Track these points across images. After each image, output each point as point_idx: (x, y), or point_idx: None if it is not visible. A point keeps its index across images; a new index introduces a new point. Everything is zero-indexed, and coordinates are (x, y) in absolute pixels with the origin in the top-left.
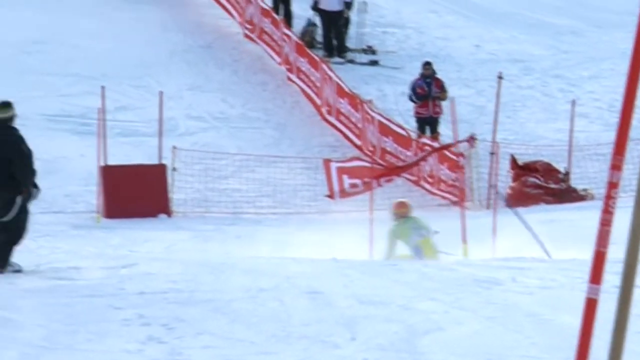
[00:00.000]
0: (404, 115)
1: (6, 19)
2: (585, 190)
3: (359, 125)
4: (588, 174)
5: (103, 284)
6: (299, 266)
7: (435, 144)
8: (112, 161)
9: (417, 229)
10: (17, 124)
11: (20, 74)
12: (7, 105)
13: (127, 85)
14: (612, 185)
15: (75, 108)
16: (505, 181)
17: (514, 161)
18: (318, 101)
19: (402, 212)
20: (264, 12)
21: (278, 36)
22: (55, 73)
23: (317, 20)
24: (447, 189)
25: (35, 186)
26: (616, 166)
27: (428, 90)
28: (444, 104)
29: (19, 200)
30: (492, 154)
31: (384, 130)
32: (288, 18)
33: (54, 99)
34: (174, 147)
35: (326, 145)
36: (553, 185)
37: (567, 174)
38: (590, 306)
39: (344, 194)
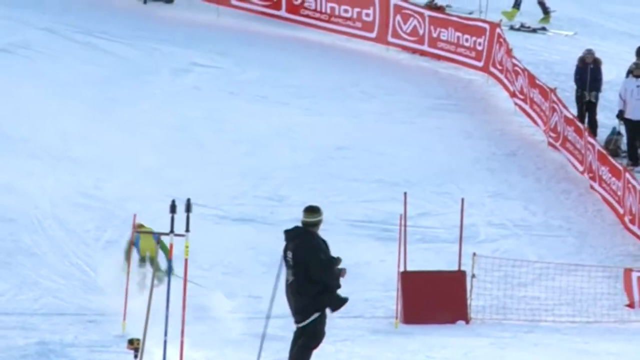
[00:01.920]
0: None
1: (314, 125)
2: None
3: None
4: None
5: None
6: None
7: None
8: (412, 267)
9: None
10: (321, 228)
11: (325, 179)
12: (315, 210)
13: (429, 192)
14: None
15: (377, 214)
16: None
17: None
18: (620, 210)
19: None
20: (568, 121)
21: (581, 144)
22: (359, 179)
23: (622, 128)
24: None
25: (341, 300)
26: None
27: None
28: None
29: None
30: None
31: None
32: (593, 126)
33: (357, 205)
34: (474, 254)
35: (628, 254)
36: None
37: None
38: None
39: None
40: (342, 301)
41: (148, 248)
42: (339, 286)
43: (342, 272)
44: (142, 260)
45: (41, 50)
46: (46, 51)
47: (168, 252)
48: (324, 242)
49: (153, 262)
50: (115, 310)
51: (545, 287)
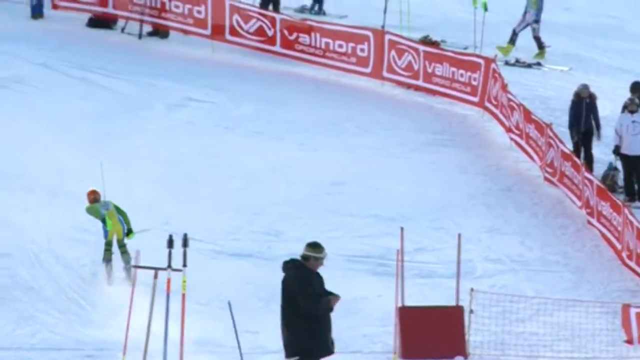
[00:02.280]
0: None
1: (309, 160)
2: None
3: None
4: None
5: None
6: None
7: None
8: (409, 302)
9: (103, 206)
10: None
11: (321, 214)
12: (316, 245)
13: (425, 227)
14: None
15: (373, 249)
16: None
17: None
18: (618, 245)
19: (93, 197)
20: (565, 156)
21: (579, 180)
22: (354, 214)
23: (619, 164)
24: None
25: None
26: None
27: None
28: None
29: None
30: None
31: None
32: (589, 161)
33: (353, 240)
34: (472, 290)
35: (626, 290)
36: None
37: None
38: None
39: None
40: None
41: (116, 230)
42: (330, 311)
43: (334, 299)
44: (109, 244)
45: (36, 85)
46: (41, 86)
47: (125, 216)
48: (320, 277)
49: (120, 244)
50: (113, 345)
51: (543, 323)
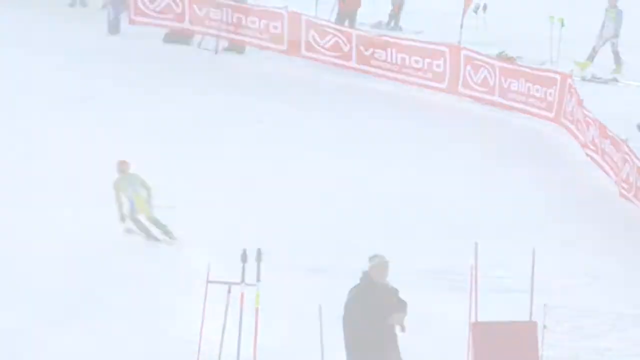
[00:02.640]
0: None
1: (384, 174)
2: None
3: None
4: None
5: None
6: None
7: None
8: (483, 318)
9: (132, 184)
10: (392, 279)
11: (394, 229)
12: (370, 257)
13: (499, 242)
14: None
15: (447, 264)
16: None
17: None
18: None
19: (122, 168)
20: None
21: None
22: (428, 229)
23: None
24: None
25: None
26: None
27: None
28: None
29: None
30: None
31: None
32: None
33: (427, 255)
34: (545, 305)
35: None
36: None
37: None
38: None
39: None
40: None
41: (143, 209)
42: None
43: (394, 317)
44: (137, 220)
45: (113, 101)
46: (118, 101)
47: (149, 190)
48: (385, 292)
49: (151, 220)
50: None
51: (618, 339)
